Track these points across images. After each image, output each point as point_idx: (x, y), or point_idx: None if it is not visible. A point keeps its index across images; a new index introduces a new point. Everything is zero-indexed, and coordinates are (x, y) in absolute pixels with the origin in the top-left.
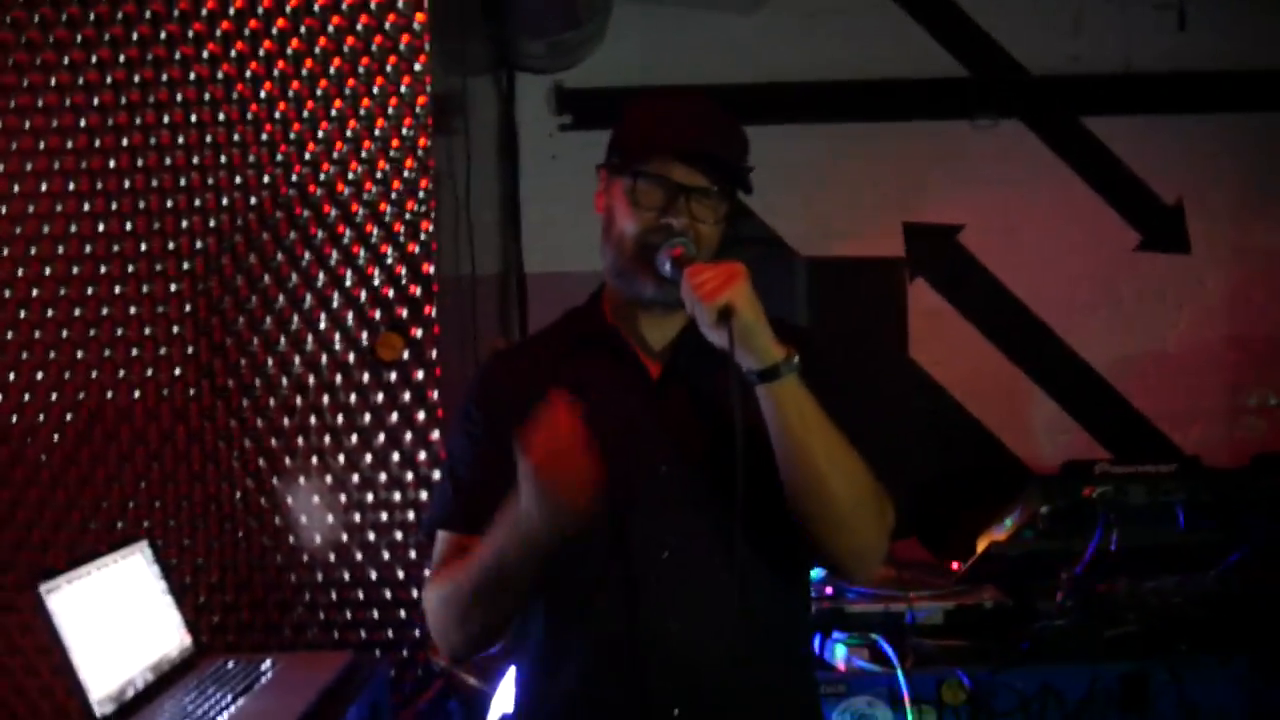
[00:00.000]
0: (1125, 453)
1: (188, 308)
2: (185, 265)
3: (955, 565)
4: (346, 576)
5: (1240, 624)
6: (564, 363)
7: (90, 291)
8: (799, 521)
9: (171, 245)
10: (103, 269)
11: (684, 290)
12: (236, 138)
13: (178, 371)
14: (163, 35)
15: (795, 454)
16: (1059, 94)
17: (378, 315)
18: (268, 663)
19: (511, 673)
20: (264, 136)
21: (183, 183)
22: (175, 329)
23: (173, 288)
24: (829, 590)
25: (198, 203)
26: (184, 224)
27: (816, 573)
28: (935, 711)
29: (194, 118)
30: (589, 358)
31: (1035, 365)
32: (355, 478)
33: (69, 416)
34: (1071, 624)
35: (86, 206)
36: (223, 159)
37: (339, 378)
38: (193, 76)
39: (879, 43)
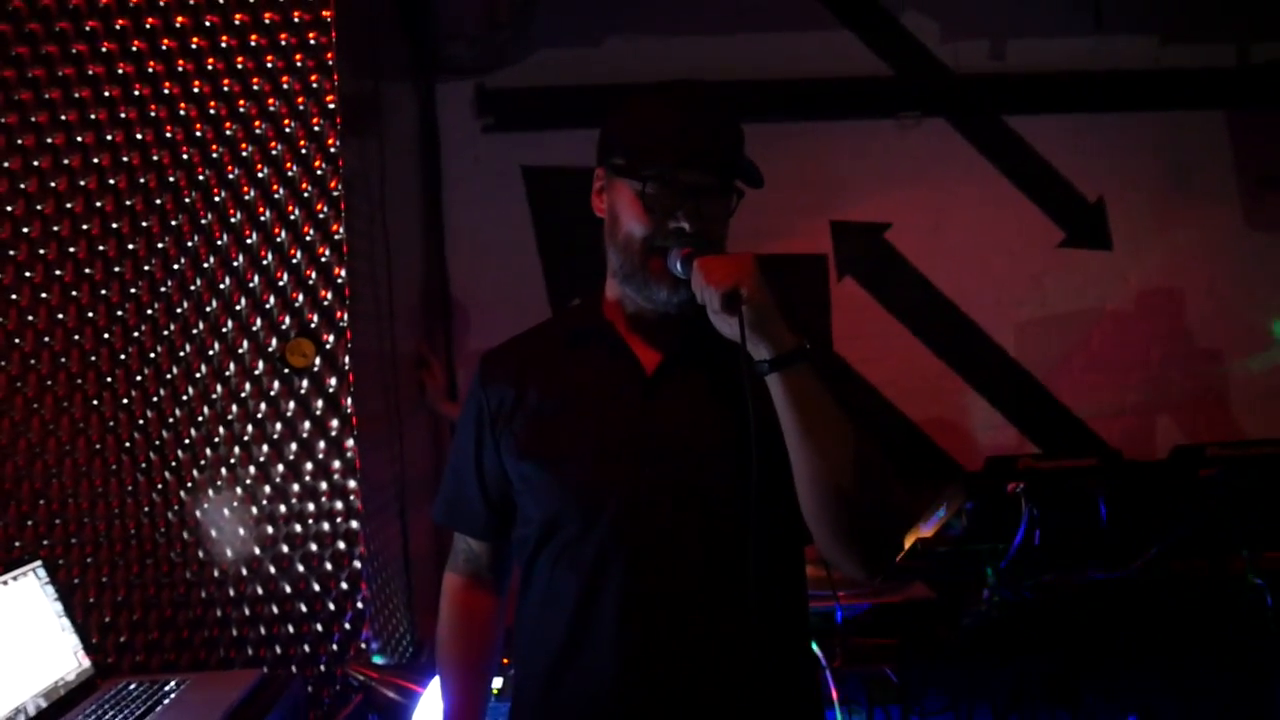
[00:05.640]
0: (1053, 447)
1: (89, 315)
2: (85, 270)
3: None
4: (259, 591)
5: (1163, 617)
6: (558, 357)
7: None
8: (813, 515)
9: (71, 249)
10: None
11: (694, 280)
12: (138, 137)
13: (78, 382)
14: (56, 29)
15: (810, 446)
16: (982, 93)
17: (287, 321)
18: (173, 683)
19: (435, 685)
20: (166, 135)
21: (81, 184)
22: (75, 338)
23: (72, 294)
24: None
25: (98, 204)
26: (83, 227)
27: None
28: (864, 710)
29: (93, 116)
30: (584, 352)
31: (963, 362)
32: (267, 489)
33: None
34: (999, 619)
35: None
36: (124, 159)
37: (248, 386)
38: (90, 73)
39: (804, 43)
